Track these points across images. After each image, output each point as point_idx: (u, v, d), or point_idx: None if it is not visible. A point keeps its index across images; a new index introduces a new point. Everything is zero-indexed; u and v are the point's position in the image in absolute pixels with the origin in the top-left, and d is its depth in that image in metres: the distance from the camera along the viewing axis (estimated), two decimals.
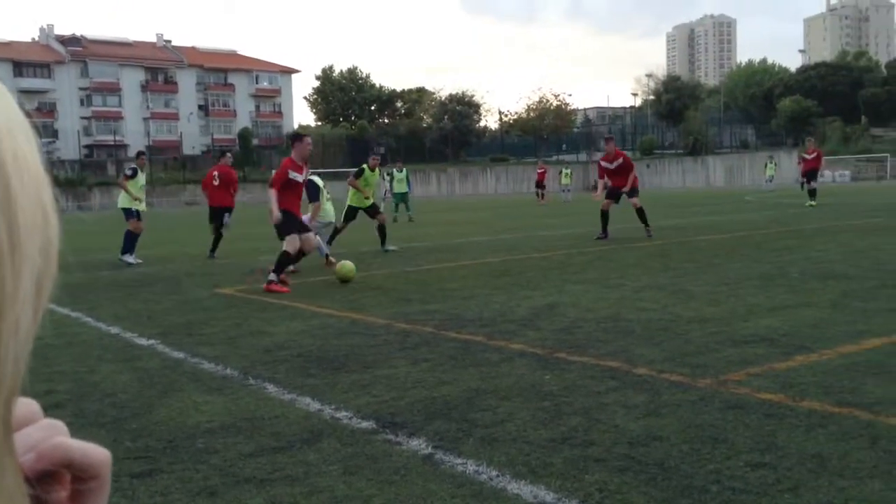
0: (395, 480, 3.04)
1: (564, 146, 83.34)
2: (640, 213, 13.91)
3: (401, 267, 10.87)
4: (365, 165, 13.42)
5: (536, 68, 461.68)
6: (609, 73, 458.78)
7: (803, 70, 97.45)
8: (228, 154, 15.64)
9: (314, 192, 10.86)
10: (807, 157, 22.88)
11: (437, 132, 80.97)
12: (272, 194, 8.98)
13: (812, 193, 22.51)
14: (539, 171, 37.54)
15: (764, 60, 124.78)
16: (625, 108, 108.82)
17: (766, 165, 43.98)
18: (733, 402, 3.83)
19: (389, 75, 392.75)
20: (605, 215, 13.94)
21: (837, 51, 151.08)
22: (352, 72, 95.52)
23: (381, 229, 13.23)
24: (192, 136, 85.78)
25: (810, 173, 22.78)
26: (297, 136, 9.54)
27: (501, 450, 3.32)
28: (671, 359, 4.77)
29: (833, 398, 3.81)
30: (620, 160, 14.14)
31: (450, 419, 3.77)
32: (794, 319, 5.82)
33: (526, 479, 2.99)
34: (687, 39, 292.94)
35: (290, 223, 8.91)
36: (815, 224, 15.76)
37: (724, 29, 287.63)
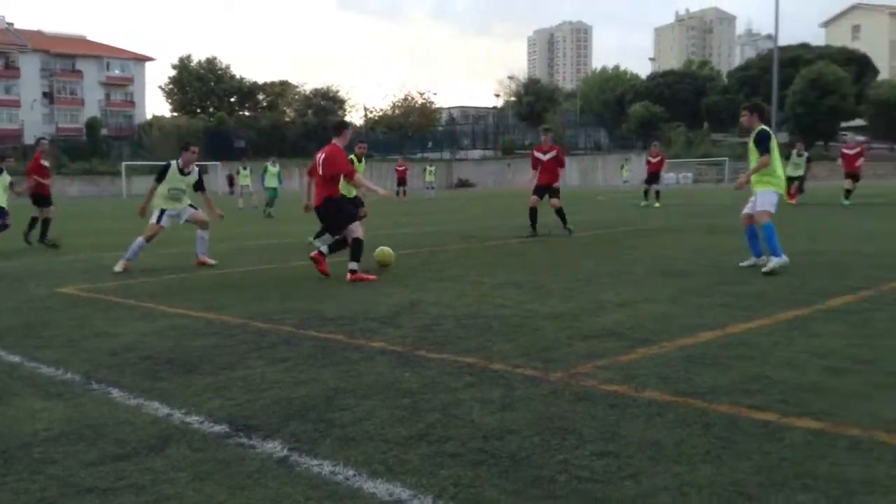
0: (247, 485, 2.97)
1: (430, 144, 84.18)
2: (560, 212, 14.27)
3: (259, 265, 10.63)
4: (353, 156, 12.93)
5: (402, 66, 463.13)
6: (473, 74, 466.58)
7: (652, 77, 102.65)
8: (44, 140, 15.18)
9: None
10: (651, 160, 24.30)
11: (301, 126, 79.73)
12: (360, 179, 9.67)
13: (657, 195, 24.07)
14: (399, 168, 37.75)
15: (617, 67, 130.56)
16: (488, 108, 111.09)
17: (622, 167, 46.06)
18: (582, 394, 3.99)
19: (251, 67, 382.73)
20: (533, 212, 14.22)
21: (684, 60, 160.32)
22: (210, 62, 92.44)
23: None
24: (34, 125, 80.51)
25: (653, 176, 24.30)
26: (345, 124, 9.97)
27: (359, 449, 3.32)
28: (526, 354, 4.92)
29: (671, 388, 4.05)
30: (553, 153, 14.40)
31: (307, 420, 3.73)
32: (638, 314, 6.14)
33: (382, 478, 3.00)
34: (547, 44, 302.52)
35: (345, 212, 9.17)
36: (660, 223, 16.67)
37: (581, 35, 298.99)
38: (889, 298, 6.50)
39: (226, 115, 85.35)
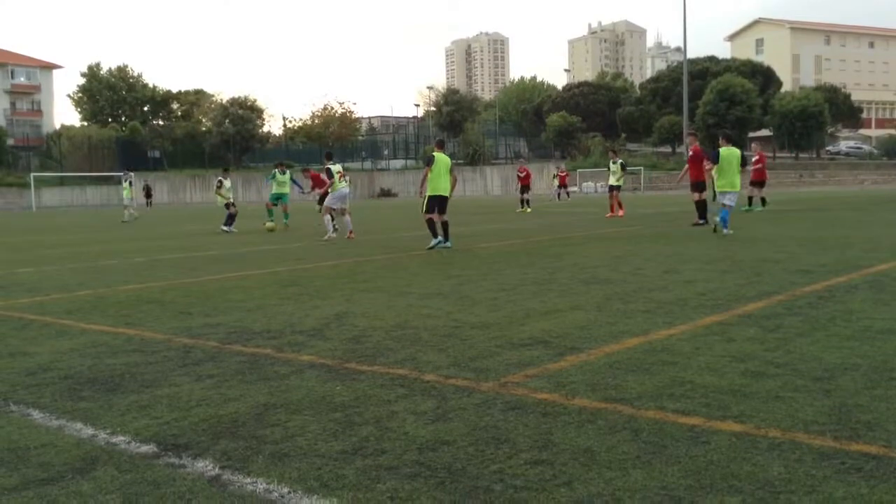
0: None
1: (364, 153, 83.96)
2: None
3: (180, 278, 10.38)
4: (435, 153, 13.61)
5: (321, 75, 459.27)
6: (393, 83, 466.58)
7: (568, 88, 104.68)
8: None
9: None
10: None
11: (218, 136, 78.15)
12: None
13: (762, 201, 23.57)
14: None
15: (534, 78, 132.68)
16: (408, 118, 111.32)
17: (553, 176, 46.73)
18: (513, 403, 4.05)
19: (164, 75, 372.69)
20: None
21: (597, 71, 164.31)
22: (122, 69, 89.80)
23: (445, 225, 13.56)
24: None
25: (759, 182, 24.14)
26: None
27: (292, 465, 3.28)
28: (457, 364, 4.95)
29: (600, 395, 4.15)
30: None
31: (237, 437, 3.67)
32: (564, 322, 6.25)
33: (318, 494, 2.97)
34: (464, 55, 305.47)
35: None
36: (581, 232, 17.02)
37: (497, 46, 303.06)
38: (801, 303, 6.80)
39: (139, 125, 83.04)
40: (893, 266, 9.15)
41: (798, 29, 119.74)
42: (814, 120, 79.84)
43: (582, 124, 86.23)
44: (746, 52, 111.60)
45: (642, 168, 62.65)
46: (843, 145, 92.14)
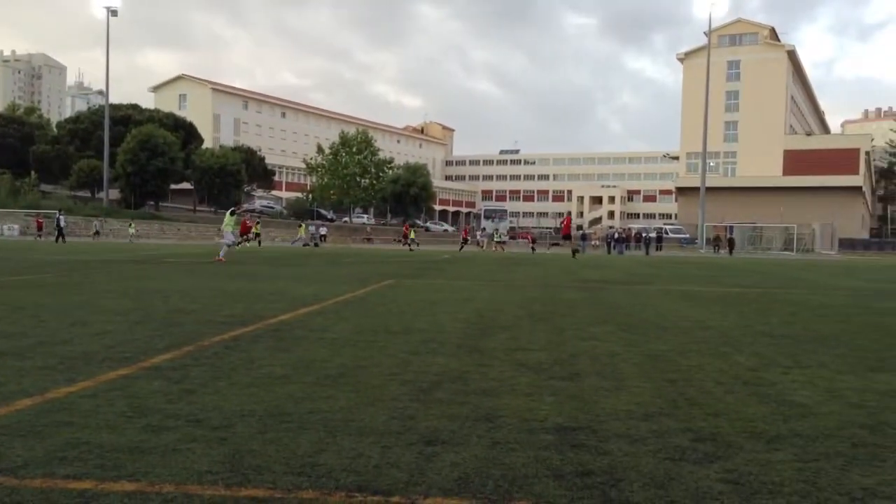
0: None
1: None
2: None
3: None
4: None
5: None
6: None
7: None
8: None
9: None
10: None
11: None
12: None
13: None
14: None
15: None
16: None
17: None
18: None
19: None
20: None
21: (9, 102, 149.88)
22: None
23: None
24: None
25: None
26: None
27: None
28: None
29: None
30: None
31: None
32: None
33: None
34: None
35: None
36: None
37: None
38: (208, 353, 6.99)
39: None
40: (292, 316, 10.10)
41: (219, 90, 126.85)
42: (232, 178, 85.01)
43: None
44: (170, 105, 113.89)
45: (57, 211, 58.39)
46: (258, 203, 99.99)
